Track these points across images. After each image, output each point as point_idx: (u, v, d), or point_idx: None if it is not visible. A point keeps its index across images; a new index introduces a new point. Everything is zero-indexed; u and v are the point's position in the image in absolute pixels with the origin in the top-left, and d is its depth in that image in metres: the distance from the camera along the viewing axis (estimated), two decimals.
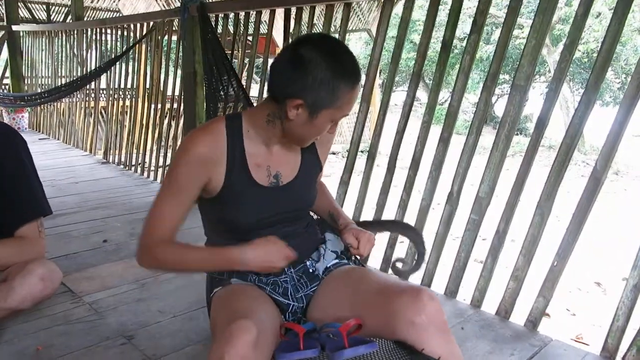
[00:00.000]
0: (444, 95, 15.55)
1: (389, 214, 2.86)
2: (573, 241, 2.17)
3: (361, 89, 2.66)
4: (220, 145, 1.42)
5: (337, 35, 3.10)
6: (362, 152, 3.05)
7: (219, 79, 3.50)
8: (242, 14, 3.65)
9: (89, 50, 5.77)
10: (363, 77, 1.54)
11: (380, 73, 7.66)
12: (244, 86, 3.52)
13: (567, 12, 12.97)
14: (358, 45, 18.23)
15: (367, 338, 1.29)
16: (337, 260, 1.60)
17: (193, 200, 1.48)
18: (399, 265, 2.12)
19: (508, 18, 2.29)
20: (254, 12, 3.55)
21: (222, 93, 3.51)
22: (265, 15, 3.58)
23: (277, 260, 1.42)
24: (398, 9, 2.89)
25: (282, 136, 1.45)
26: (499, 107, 14.93)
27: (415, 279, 2.72)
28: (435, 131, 2.61)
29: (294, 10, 3.24)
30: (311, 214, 1.70)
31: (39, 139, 6.54)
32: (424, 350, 1.24)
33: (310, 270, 1.55)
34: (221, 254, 1.46)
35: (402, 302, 1.29)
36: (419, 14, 13.27)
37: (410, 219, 2.74)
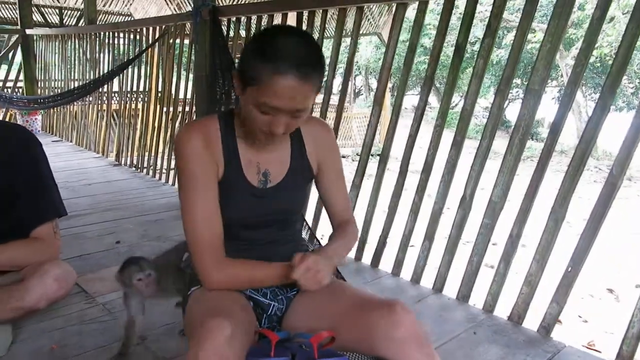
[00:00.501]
0: (454, 99, 15.54)
1: (401, 217, 2.85)
2: (588, 247, 2.15)
3: (372, 92, 2.66)
4: (215, 139, 1.42)
5: (349, 39, 3.11)
6: (372, 155, 3.05)
7: (223, 83, 3.53)
8: (254, 18, 3.66)
9: (102, 54, 5.81)
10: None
11: (390, 77, 7.65)
12: None
13: (579, 16, 12.91)
14: (368, 49, 18.23)
15: (339, 352, 1.27)
16: None
17: (214, 192, 1.42)
18: None
19: (523, 22, 2.29)
20: (266, 16, 3.56)
21: (223, 97, 3.54)
22: (277, 19, 3.59)
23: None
24: (408, 13, 2.89)
25: None
26: (510, 112, 14.89)
27: (428, 283, 2.72)
28: (446, 135, 2.60)
29: (305, 14, 3.24)
30: (300, 222, 1.68)
31: (52, 141, 6.59)
32: None
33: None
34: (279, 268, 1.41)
35: (378, 316, 1.26)
36: (430, 17, 13.27)
37: (422, 222, 2.74)
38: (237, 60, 3.63)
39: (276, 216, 1.51)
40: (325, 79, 2.95)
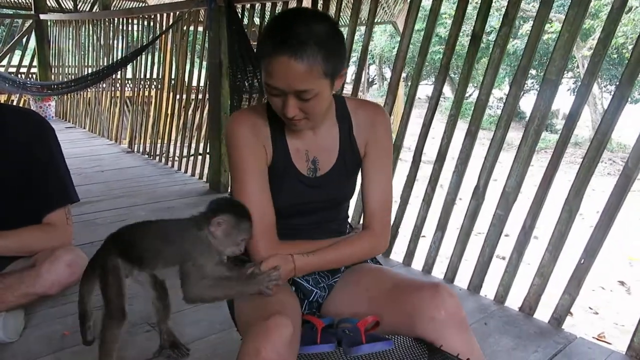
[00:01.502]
0: (469, 89, 15.39)
1: (413, 208, 2.84)
2: (602, 238, 2.13)
3: (385, 82, 2.63)
4: (263, 126, 1.40)
5: (363, 28, 3.08)
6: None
7: (244, 70, 3.50)
8: (268, 4, 3.64)
9: (115, 40, 5.82)
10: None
11: (404, 67, 7.59)
12: None
13: (595, 5, 12.70)
14: (383, 37, 18.09)
15: (384, 335, 1.28)
16: None
17: (267, 176, 1.41)
18: None
19: (541, 11, 2.25)
20: (281, 3, 3.54)
21: (246, 84, 3.52)
22: (293, 5, 3.57)
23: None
24: (424, 1, 2.86)
25: None
26: (524, 103, 14.74)
27: (439, 273, 2.71)
28: (460, 126, 2.58)
29: (321, 1, 3.22)
30: (347, 208, 1.65)
31: (66, 127, 6.64)
32: (442, 346, 1.22)
33: None
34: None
35: (421, 298, 1.27)
36: (445, 6, 13.12)
37: (434, 213, 2.72)
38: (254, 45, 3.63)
39: (324, 204, 1.49)
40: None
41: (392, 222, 2.91)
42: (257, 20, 3.87)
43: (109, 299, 1.58)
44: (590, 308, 4.32)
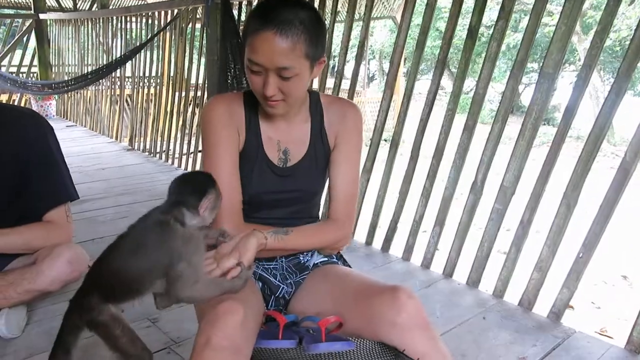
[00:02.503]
0: (470, 84, 15.34)
1: (412, 202, 2.85)
2: (600, 232, 2.13)
3: (385, 77, 2.63)
4: (239, 111, 1.43)
5: (361, 23, 3.08)
6: (385, 140, 3.04)
7: (234, 67, 3.52)
8: None
9: (115, 39, 5.83)
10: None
11: (405, 61, 7.59)
12: None
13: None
14: (383, 32, 18.05)
15: (345, 337, 1.27)
16: (326, 259, 1.58)
17: (238, 158, 1.43)
18: None
19: (537, 4, 2.25)
20: None
21: (235, 82, 3.53)
22: None
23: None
24: None
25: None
26: (526, 96, 14.69)
27: (438, 267, 2.72)
28: (460, 120, 2.58)
29: None
30: (318, 206, 1.64)
31: (66, 126, 6.65)
32: (405, 350, 1.21)
33: (302, 262, 1.54)
34: None
35: (381, 303, 1.26)
36: (444, 0, 13.10)
37: (433, 208, 2.73)
38: None
39: (294, 195, 1.50)
40: (332, 60, 2.93)
41: (391, 217, 2.93)
42: None
43: (125, 350, 1.30)
44: (592, 302, 4.33)
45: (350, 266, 1.63)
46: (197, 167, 4.52)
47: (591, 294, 4.35)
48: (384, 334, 1.25)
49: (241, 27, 3.71)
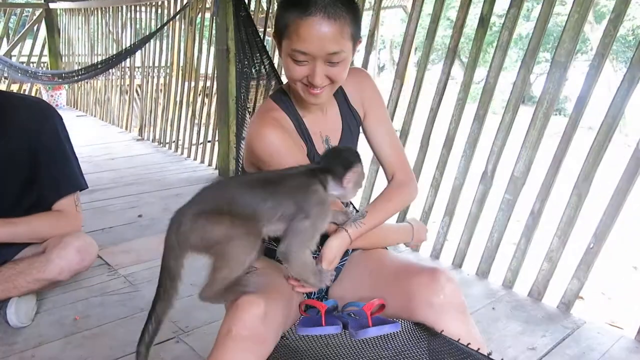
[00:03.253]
0: (482, 74, 15.14)
1: (421, 192, 2.82)
2: (611, 223, 2.11)
3: (395, 66, 2.61)
4: (286, 121, 1.36)
5: (371, 12, 3.05)
6: (396, 130, 3.01)
7: (250, 56, 3.49)
8: None
9: (124, 28, 5.82)
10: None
11: (415, 51, 7.52)
12: (277, 64, 3.50)
13: None
14: (394, 22, 17.92)
15: (390, 318, 1.28)
16: None
17: None
18: None
19: None
20: None
21: (253, 71, 3.50)
22: None
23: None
24: None
25: None
26: (539, 86, 14.54)
27: (448, 258, 2.71)
28: (471, 110, 2.56)
29: None
30: None
31: (77, 116, 6.68)
32: (443, 331, 1.23)
33: None
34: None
35: (419, 283, 1.27)
36: None
37: (442, 198, 2.71)
38: (261, 31, 3.61)
39: None
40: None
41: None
42: (264, 5, 3.84)
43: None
44: (603, 293, 4.30)
45: (386, 247, 1.62)
46: (207, 158, 4.52)
47: (602, 284, 4.32)
48: (421, 314, 1.26)
49: (253, 16, 3.68)
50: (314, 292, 1.48)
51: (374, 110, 1.51)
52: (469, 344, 1.19)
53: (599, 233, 2.14)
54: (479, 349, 1.16)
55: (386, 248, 1.62)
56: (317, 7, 1.16)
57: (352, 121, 1.49)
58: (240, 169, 1.61)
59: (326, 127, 1.45)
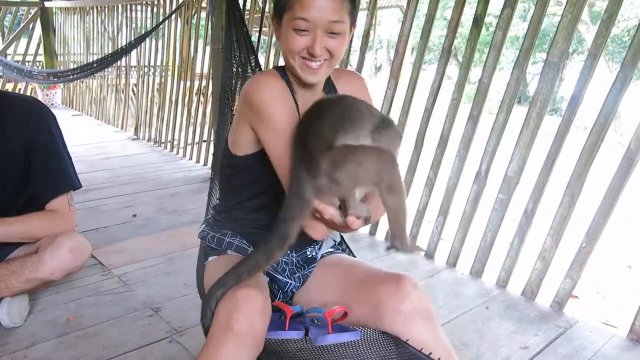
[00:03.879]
0: (478, 73, 15.14)
1: (416, 191, 2.83)
2: (603, 222, 2.12)
3: (390, 65, 2.61)
4: (285, 88, 1.36)
5: (366, 12, 3.05)
6: None
7: (240, 57, 3.50)
8: None
9: (120, 27, 5.81)
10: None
11: (412, 51, 7.52)
12: (274, 62, 3.51)
13: None
14: (390, 22, 17.94)
15: (351, 327, 1.27)
16: (332, 249, 1.59)
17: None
18: None
19: None
20: None
21: (240, 70, 3.51)
22: None
23: None
24: None
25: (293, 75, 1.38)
26: (534, 86, 14.58)
27: (442, 257, 2.71)
28: (465, 110, 2.56)
29: None
30: None
31: (72, 115, 6.66)
32: (409, 340, 1.22)
33: (310, 256, 1.53)
34: None
35: (385, 291, 1.27)
36: None
37: (437, 197, 2.72)
38: (255, 33, 3.62)
39: None
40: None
41: None
42: (260, 4, 3.84)
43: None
44: (597, 292, 4.31)
45: (355, 255, 1.63)
46: (202, 157, 4.52)
47: (596, 283, 4.34)
48: (387, 323, 1.25)
49: (247, 17, 3.68)
50: (280, 297, 1.48)
51: None
52: (430, 353, 1.18)
53: (591, 232, 2.15)
54: (439, 359, 1.16)
55: (354, 255, 1.62)
56: None
57: None
58: (218, 166, 1.60)
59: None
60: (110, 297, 2.23)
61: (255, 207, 1.48)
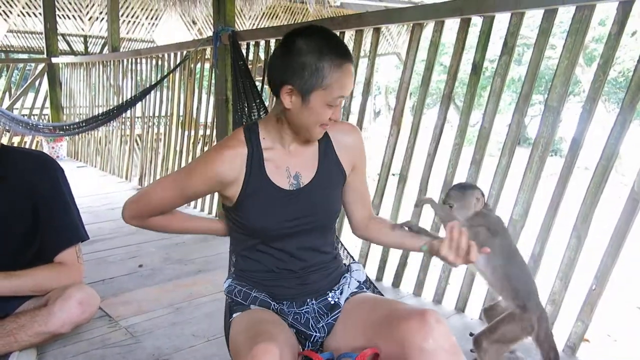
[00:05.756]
0: (476, 116, 15.35)
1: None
2: (612, 264, 2.11)
3: (391, 112, 2.66)
4: (241, 157, 1.45)
5: (366, 60, 3.13)
6: (393, 174, 3.05)
7: (246, 105, 3.57)
8: (272, 41, 3.72)
9: (125, 80, 5.93)
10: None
11: (410, 96, 7.65)
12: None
13: (601, 33, 12.79)
14: (388, 68, 18.29)
15: None
16: (356, 289, 1.60)
17: (193, 199, 1.61)
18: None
19: (539, 40, 2.28)
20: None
21: (251, 118, 3.58)
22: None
23: None
24: (428, 32, 2.91)
25: (293, 133, 1.47)
26: (533, 128, 14.73)
27: (450, 302, 2.69)
28: (467, 153, 2.59)
29: None
30: (334, 234, 1.68)
31: (77, 167, 6.72)
32: None
33: (332, 302, 1.54)
34: (203, 227, 1.74)
35: (409, 328, 1.26)
36: (450, 37, 13.27)
37: None
38: (258, 82, 3.70)
39: (311, 219, 1.51)
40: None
41: (401, 252, 2.91)
42: (262, 56, 3.94)
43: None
44: (608, 335, 4.25)
45: (381, 292, 1.64)
46: (207, 205, 4.54)
47: (607, 326, 4.28)
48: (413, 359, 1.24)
49: (250, 66, 3.77)
50: (308, 346, 1.49)
51: (362, 167, 1.63)
52: None
53: (600, 274, 2.15)
54: None
55: (381, 294, 1.64)
56: (349, 56, 1.36)
57: (334, 169, 1.55)
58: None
59: (295, 163, 1.50)
60: (117, 349, 2.21)
61: (252, 256, 1.55)
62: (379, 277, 3.04)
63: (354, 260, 1.76)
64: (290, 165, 1.49)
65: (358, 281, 1.61)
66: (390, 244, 1.71)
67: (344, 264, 1.68)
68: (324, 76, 1.32)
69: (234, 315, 1.52)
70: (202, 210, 4.59)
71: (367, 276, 1.66)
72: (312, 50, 1.32)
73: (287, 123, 1.44)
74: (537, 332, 1.82)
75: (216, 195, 4.27)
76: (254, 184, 1.46)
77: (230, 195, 1.47)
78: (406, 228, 1.61)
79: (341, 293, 1.55)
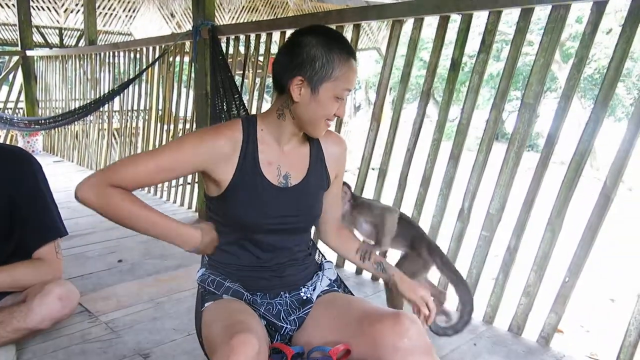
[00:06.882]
0: (455, 111, 15.49)
1: None
2: (584, 257, 2.17)
3: (371, 107, 2.69)
4: (237, 142, 1.46)
5: None
6: (372, 169, 3.08)
7: (224, 99, 3.57)
8: (252, 35, 3.71)
9: (102, 73, 5.86)
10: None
11: (390, 91, 7.70)
12: (257, 106, 3.57)
13: (577, 30, 12.99)
14: (368, 63, 18.34)
15: None
16: (328, 287, 1.62)
17: (174, 178, 1.56)
18: (441, 321, 2.01)
19: (516, 38, 2.33)
20: (264, 34, 3.62)
21: (229, 114, 3.58)
22: (276, 36, 3.64)
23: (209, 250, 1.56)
24: (407, 27, 2.94)
25: (293, 131, 1.49)
26: (511, 123, 14.92)
27: None
28: (446, 148, 2.63)
29: None
30: (310, 237, 1.71)
31: (54, 161, 6.63)
32: None
33: (304, 297, 1.56)
34: (172, 227, 1.54)
35: (383, 328, 1.29)
36: (430, 32, 13.36)
37: None
38: (238, 77, 3.70)
39: (294, 218, 1.53)
40: None
41: None
42: (242, 50, 3.94)
43: None
44: (581, 326, 4.35)
45: (351, 292, 1.66)
46: (187, 200, 4.53)
47: (580, 318, 4.38)
48: (387, 359, 1.27)
49: (230, 60, 3.77)
50: (277, 339, 1.50)
51: (341, 178, 1.71)
52: None
53: (573, 267, 2.20)
54: None
55: (352, 293, 1.67)
56: (353, 52, 1.43)
57: (321, 175, 1.59)
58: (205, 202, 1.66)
59: (286, 163, 1.52)
60: (98, 344, 2.20)
61: (228, 250, 1.56)
62: (359, 271, 3.07)
63: (325, 259, 1.78)
64: (282, 164, 1.51)
65: (329, 279, 1.64)
66: (355, 263, 1.76)
67: (317, 262, 1.71)
68: (333, 68, 1.37)
69: (206, 304, 1.52)
70: (182, 205, 4.58)
71: (337, 275, 1.69)
72: (321, 43, 1.37)
73: (293, 118, 1.45)
74: (433, 260, 1.97)
75: (196, 188, 4.31)
76: (246, 172, 1.46)
77: (220, 178, 1.46)
78: (362, 260, 1.70)
79: (314, 289, 1.58)
